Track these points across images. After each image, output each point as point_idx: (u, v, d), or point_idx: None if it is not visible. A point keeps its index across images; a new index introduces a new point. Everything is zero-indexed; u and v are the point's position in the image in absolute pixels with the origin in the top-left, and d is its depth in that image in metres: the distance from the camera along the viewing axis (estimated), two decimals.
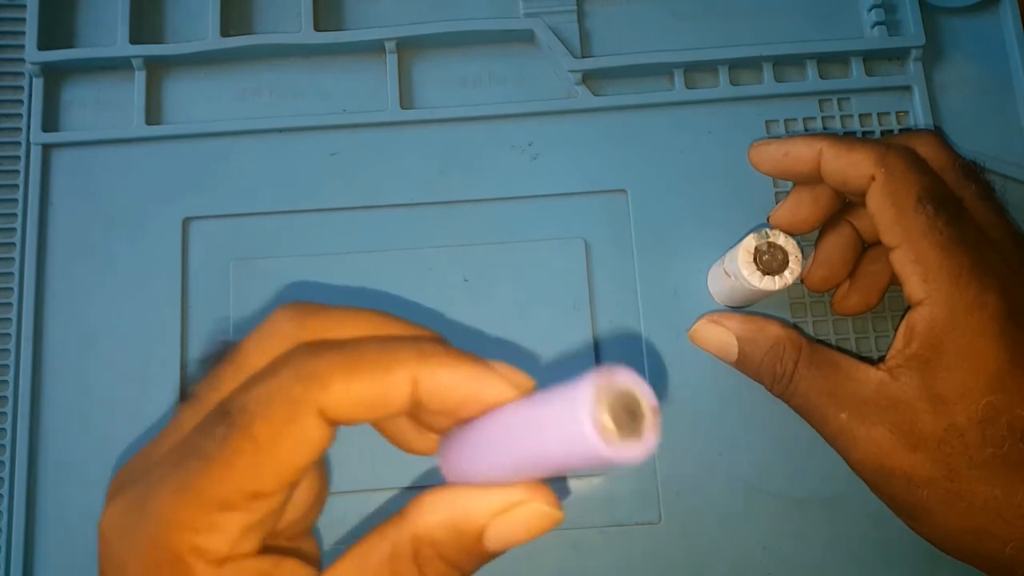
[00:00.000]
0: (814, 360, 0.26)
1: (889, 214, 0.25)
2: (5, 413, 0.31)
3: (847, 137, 0.28)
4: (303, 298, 0.32)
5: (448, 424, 0.19)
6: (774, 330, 0.27)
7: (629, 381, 0.15)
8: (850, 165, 0.26)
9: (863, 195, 0.26)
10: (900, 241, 0.25)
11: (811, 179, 0.28)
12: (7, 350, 0.31)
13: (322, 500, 0.20)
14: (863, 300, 0.30)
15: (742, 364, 0.28)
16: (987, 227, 0.26)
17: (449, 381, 0.17)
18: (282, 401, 0.17)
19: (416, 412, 0.19)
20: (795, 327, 0.28)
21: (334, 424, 0.17)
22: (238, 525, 0.17)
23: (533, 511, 0.18)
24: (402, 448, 0.21)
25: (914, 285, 0.25)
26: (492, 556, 0.18)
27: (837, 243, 0.29)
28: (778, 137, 0.33)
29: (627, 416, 0.15)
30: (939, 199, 0.25)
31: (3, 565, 0.30)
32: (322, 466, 0.20)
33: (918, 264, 0.24)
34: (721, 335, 0.29)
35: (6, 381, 0.31)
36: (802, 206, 0.29)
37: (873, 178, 0.25)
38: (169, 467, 0.18)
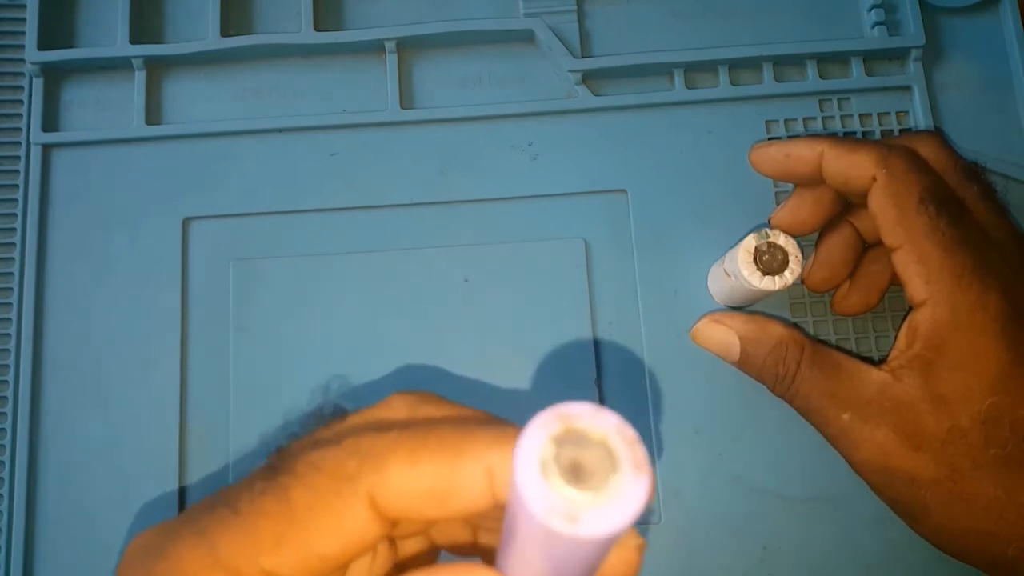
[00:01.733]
0: (816, 361, 0.26)
1: (891, 215, 0.25)
2: (5, 413, 0.31)
3: (848, 138, 0.28)
4: (307, 298, 0.32)
5: None
6: (777, 330, 0.27)
7: (568, 417, 0.11)
8: (851, 166, 0.26)
9: (864, 196, 0.26)
10: (902, 242, 0.25)
11: (812, 180, 0.28)
12: (7, 350, 0.31)
13: None
14: (863, 300, 0.30)
15: (744, 364, 0.28)
16: (989, 228, 0.26)
17: None
18: (331, 472, 0.15)
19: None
20: (797, 327, 0.28)
21: (386, 519, 0.15)
22: None
23: None
24: None
25: (916, 286, 0.25)
26: None
27: (838, 243, 0.29)
28: (778, 138, 0.33)
29: (598, 467, 0.11)
30: (941, 200, 0.25)
31: (3, 565, 0.29)
32: None
33: (920, 265, 0.24)
34: (723, 335, 0.29)
35: (6, 381, 0.31)
36: (803, 207, 0.29)
37: (874, 179, 0.25)
38: (204, 509, 0.16)
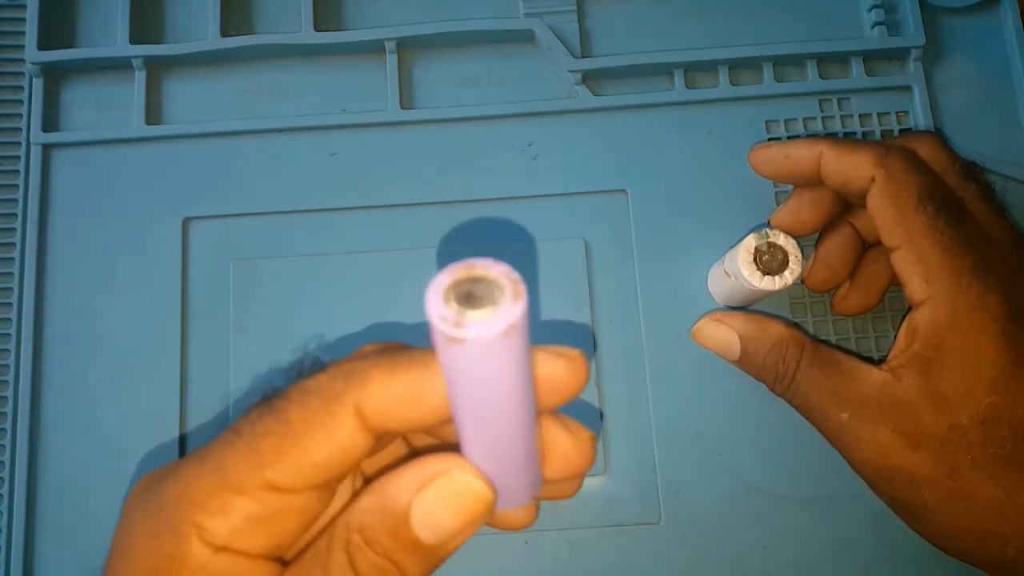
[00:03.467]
0: (816, 359, 0.26)
1: (890, 215, 0.25)
2: (5, 413, 0.31)
3: (847, 139, 0.28)
4: (307, 298, 0.32)
5: None
6: (777, 329, 0.27)
7: (470, 265, 0.14)
8: (850, 167, 0.26)
9: (863, 197, 0.26)
10: (901, 242, 0.25)
11: (811, 181, 0.28)
12: (7, 350, 0.31)
13: None
14: (863, 300, 0.30)
15: (744, 363, 0.28)
16: (988, 227, 0.26)
17: None
18: (322, 393, 0.17)
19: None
20: (797, 326, 0.28)
21: (372, 431, 0.17)
22: (244, 513, 0.16)
23: (454, 483, 0.17)
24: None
25: (916, 286, 0.25)
26: (432, 552, 0.17)
27: (838, 243, 0.29)
28: (778, 138, 0.33)
29: (486, 295, 0.14)
30: (940, 200, 0.25)
31: (3, 565, 0.29)
32: None
33: (919, 265, 0.24)
34: (724, 333, 0.29)
35: (6, 381, 0.31)
36: (803, 208, 0.29)
37: (873, 179, 0.25)
38: (206, 443, 0.18)
